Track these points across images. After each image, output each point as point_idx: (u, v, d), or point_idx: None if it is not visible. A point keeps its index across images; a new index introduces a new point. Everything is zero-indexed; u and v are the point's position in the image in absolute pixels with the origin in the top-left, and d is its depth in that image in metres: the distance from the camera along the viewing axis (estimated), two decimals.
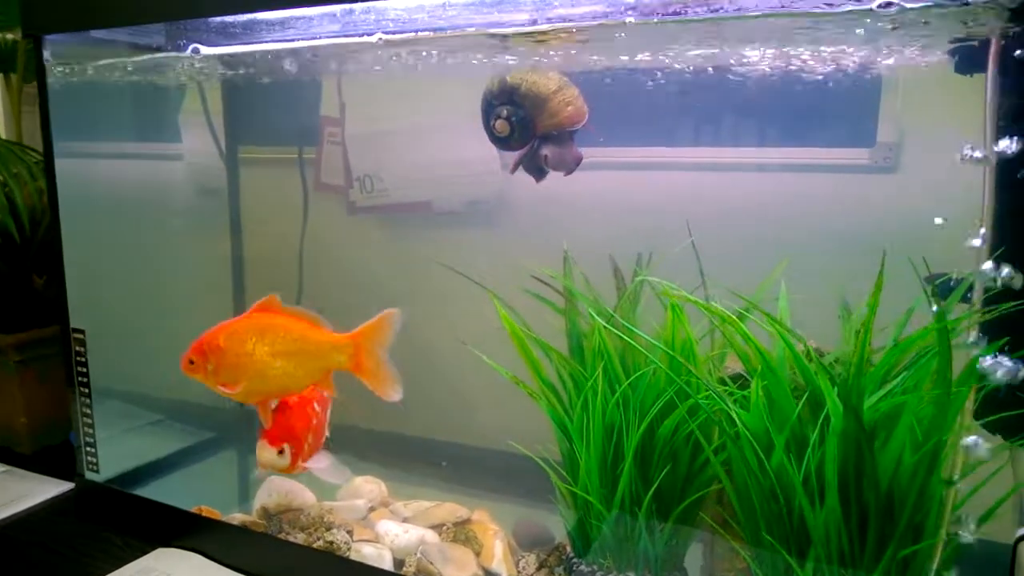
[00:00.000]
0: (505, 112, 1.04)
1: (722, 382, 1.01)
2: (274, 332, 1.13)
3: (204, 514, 1.32)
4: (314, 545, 1.21)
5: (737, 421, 0.93)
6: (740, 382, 1.01)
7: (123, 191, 1.58)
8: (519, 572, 1.18)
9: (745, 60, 1.15)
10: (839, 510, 0.89)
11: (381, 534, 1.22)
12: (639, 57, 1.20)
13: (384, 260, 1.78)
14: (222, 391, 1.14)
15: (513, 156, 1.11)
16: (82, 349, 1.38)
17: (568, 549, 1.20)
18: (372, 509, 1.35)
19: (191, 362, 1.12)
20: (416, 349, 1.35)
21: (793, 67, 1.15)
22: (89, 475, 1.42)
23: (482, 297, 1.57)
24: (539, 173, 1.08)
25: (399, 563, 1.20)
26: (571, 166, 1.07)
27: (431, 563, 1.15)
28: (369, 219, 1.80)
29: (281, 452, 1.09)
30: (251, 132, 1.76)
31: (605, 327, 1.10)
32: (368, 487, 1.41)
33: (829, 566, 0.91)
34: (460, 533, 1.24)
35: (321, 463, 1.13)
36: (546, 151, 1.06)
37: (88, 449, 1.41)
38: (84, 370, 1.38)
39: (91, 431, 1.40)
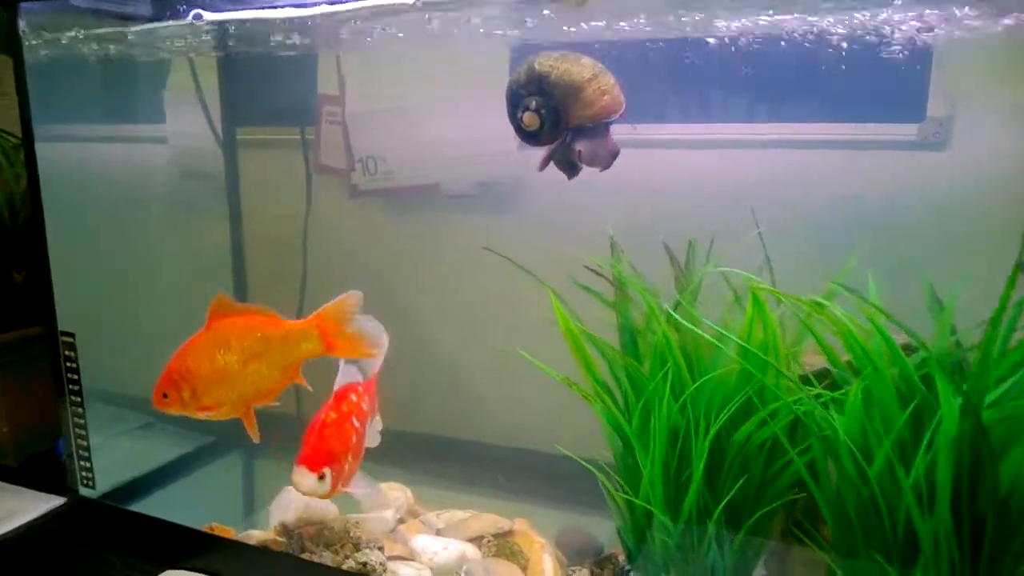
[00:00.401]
0: (534, 103, 0.93)
1: (806, 381, 0.92)
2: (238, 337, 1.05)
3: (216, 533, 1.20)
4: (343, 566, 1.10)
5: (835, 425, 0.83)
6: (826, 381, 0.92)
7: (107, 177, 1.44)
8: None
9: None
10: (950, 521, 0.80)
11: (418, 551, 1.12)
12: (664, 25, 1.10)
13: (389, 246, 1.66)
14: (204, 416, 1.04)
15: (542, 151, 1.00)
16: (72, 354, 1.24)
17: (621, 560, 1.11)
18: (400, 520, 1.24)
19: (164, 396, 1.02)
20: (422, 341, 1.25)
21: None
22: (83, 490, 1.30)
23: (495, 286, 1.48)
24: (571, 169, 0.97)
25: None
26: (607, 161, 0.96)
27: None
28: (373, 203, 1.68)
29: (322, 478, 0.97)
30: (251, 111, 1.63)
31: (675, 319, 1.00)
32: (394, 495, 1.30)
33: None
34: (504, 547, 1.14)
35: (362, 487, 1.02)
36: (579, 145, 0.94)
37: (82, 463, 1.28)
38: (75, 376, 1.25)
39: (84, 443, 1.27)
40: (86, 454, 1.27)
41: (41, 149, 1.21)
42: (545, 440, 1.43)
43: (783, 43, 1.10)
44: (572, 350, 1.06)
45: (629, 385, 1.05)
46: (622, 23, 1.14)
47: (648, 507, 1.00)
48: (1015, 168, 1.14)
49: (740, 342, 0.92)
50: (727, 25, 1.09)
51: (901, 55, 1.15)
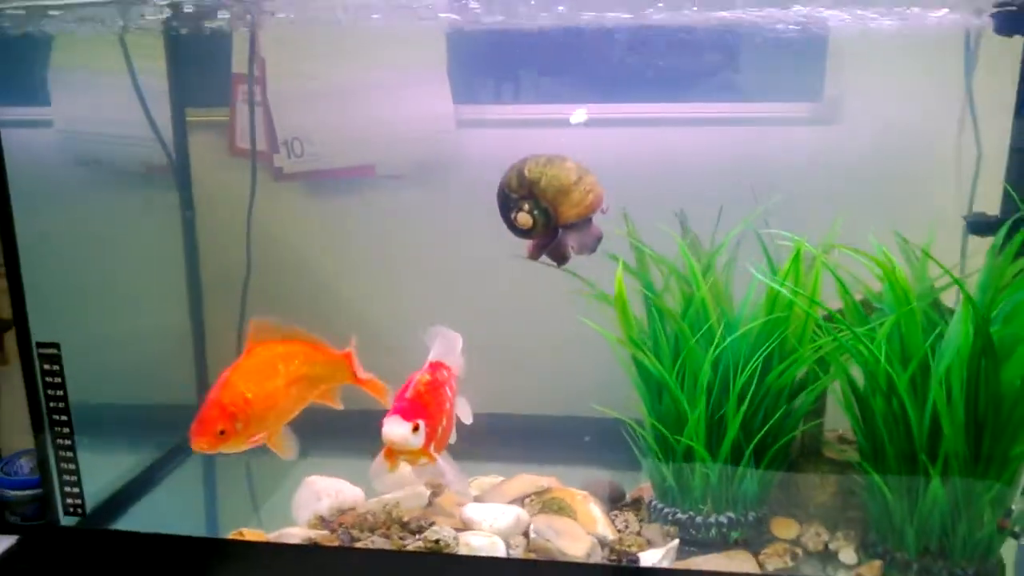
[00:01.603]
0: (527, 206, 1.03)
1: (829, 318, 1.09)
2: (284, 362, 1.07)
3: (248, 539, 1.15)
4: (409, 547, 1.11)
5: (874, 350, 1.01)
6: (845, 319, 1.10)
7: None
8: (620, 532, 1.18)
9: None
10: (963, 421, 1.01)
11: (476, 520, 1.15)
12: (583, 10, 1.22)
13: (319, 231, 1.63)
14: (247, 447, 1.02)
15: (529, 243, 1.09)
16: (56, 367, 1.10)
17: (654, 501, 1.23)
18: (434, 494, 1.26)
19: (222, 432, 0.98)
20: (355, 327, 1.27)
21: None
22: (66, 520, 1.16)
23: (424, 267, 1.51)
24: (562, 260, 1.08)
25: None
26: (594, 246, 1.09)
27: (547, 540, 1.12)
28: (298, 187, 1.63)
29: (416, 429, 0.96)
30: (200, 91, 1.50)
31: (702, 279, 1.12)
32: (409, 470, 1.31)
33: (948, 474, 1.03)
34: (550, 504, 1.20)
35: (454, 468, 1.03)
36: (571, 240, 1.06)
37: (68, 489, 1.15)
38: (60, 393, 1.11)
39: (72, 466, 1.14)
40: (74, 478, 1.14)
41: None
42: (535, 405, 1.51)
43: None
44: (619, 313, 1.15)
45: (665, 342, 1.16)
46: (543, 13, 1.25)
47: (695, 446, 1.13)
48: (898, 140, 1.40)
49: (779, 287, 1.07)
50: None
51: (801, 43, 1.36)
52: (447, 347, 1.09)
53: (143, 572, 1.13)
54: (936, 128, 1.38)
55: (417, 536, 1.11)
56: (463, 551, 1.09)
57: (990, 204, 1.24)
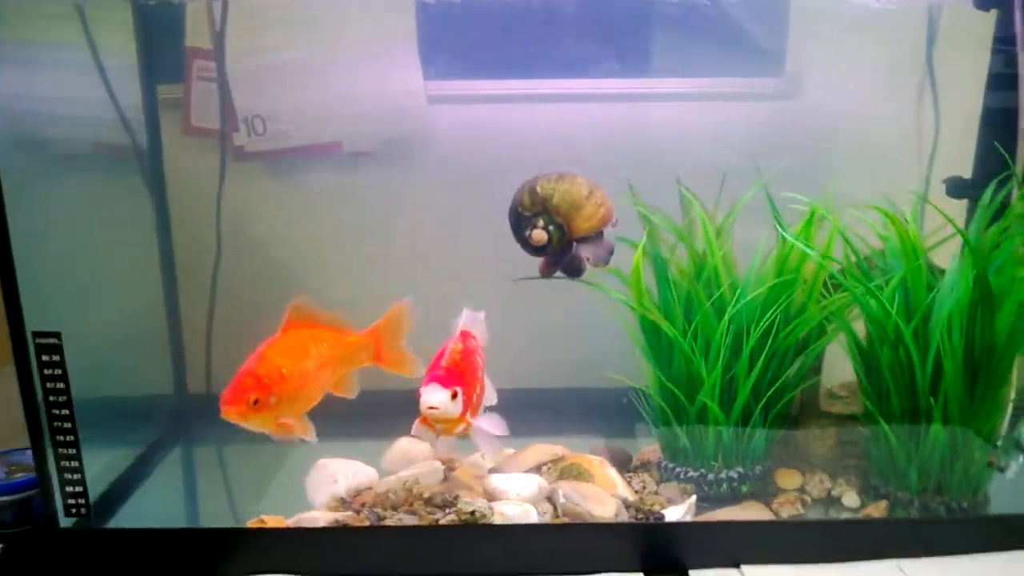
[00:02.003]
0: (541, 222, 1.06)
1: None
2: (315, 343, 1.06)
3: (272, 525, 1.11)
4: (442, 521, 1.10)
5: (884, 302, 1.08)
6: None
7: None
8: (638, 492, 1.22)
9: None
10: (962, 361, 1.10)
11: (501, 490, 1.15)
12: None
13: (282, 213, 1.58)
14: (279, 425, 1.01)
15: (542, 260, 1.12)
16: (56, 358, 1.03)
17: (664, 462, 1.27)
18: (450, 468, 1.26)
19: (255, 402, 0.97)
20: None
21: None
22: (64, 521, 1.09)
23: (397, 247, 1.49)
24: (577, 273, 1.12)
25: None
26: (607, 259, 1.12)
27: (576, 504, 1.14)
28: (259, 167, 1.58)
29: (455, 396, 0.95)
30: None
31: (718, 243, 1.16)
32: (418, 448, 1.30)
33: (948, 417, 1.12)
34: (568, 471, 1.22)
35: (490, 435, 1.03)
36: (586, 253, 1.09)
37: (70, 488, 1.08)
38: (61, 386, 1.04)
39: (74, 463, 1.07)
40: (77, 476, 1.07)
41: None
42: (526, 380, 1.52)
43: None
44: (633, 284, 1.17)
45: (677, 308, 1.20)
46: None
47: (711, 405, 1.17)
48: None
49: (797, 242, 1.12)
50: None
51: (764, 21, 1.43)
52: (472, 320, 1.09)
53: (161, 571, 1.07)
54: (898, 99, 1.47)
55: (448, 510, 1.10)
56: (498, 521, 1.09)
57: (959, 169, 1.34)
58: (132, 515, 1.19)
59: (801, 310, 1.17)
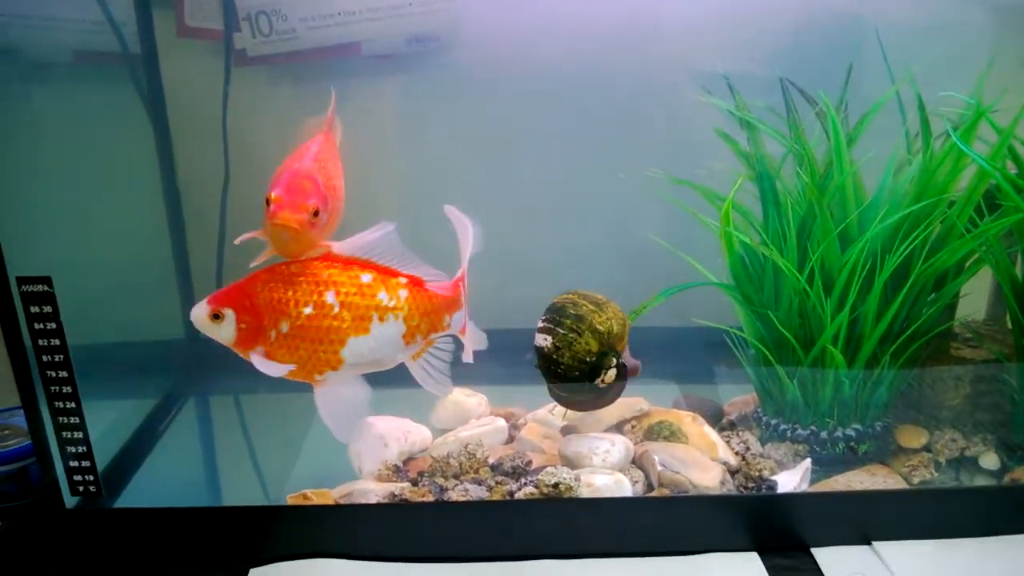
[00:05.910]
0: (614, 362, 0.97)
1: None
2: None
3: (317, 502, 0.93)
4: (518, 494, 0.92)
5: None
6: None
7: None
8: (739, 455, 1.04)
9: None
10: None
11: (584, 454, 0.97)
12: None
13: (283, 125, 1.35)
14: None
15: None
16: (48, 310, 0.83)
17: (766, 418, 1.09)
18: (514, 427, 1.08)
19: (316, 214, 0.84)
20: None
21: None
22: (70, 501, 0.91)
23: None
24: (636, 372, 1.00)
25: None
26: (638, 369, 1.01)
27: (676, 472, 0.96)
28: (262, 71, 1.35)
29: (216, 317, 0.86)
30: None
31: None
32: (473, 401, 1.12)
33: None
34: (657, 430, 1.04)
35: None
36: (630, 364, 0.99)
37: (76, 463, 0.89)
38: (56, 343, 0.84)
39: (78, 434, 0.88)
40: (81, 450, 0.89)
41: None
42: None
43: None
44: (722, 219, 0.97)
45: (792, 238, 1.00)
46: None
47: (835, 352, 0.99)
48: None
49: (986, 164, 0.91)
50: None
51: None
52: (460, 229, 0.92)
53: (194, 553, 0.90)
54: None
55: (524, 480, 0.92)
56: (585, 494, 0.92)
57: None
58: (146, 488, 1.01)
59: (944, 237, 0.97)
